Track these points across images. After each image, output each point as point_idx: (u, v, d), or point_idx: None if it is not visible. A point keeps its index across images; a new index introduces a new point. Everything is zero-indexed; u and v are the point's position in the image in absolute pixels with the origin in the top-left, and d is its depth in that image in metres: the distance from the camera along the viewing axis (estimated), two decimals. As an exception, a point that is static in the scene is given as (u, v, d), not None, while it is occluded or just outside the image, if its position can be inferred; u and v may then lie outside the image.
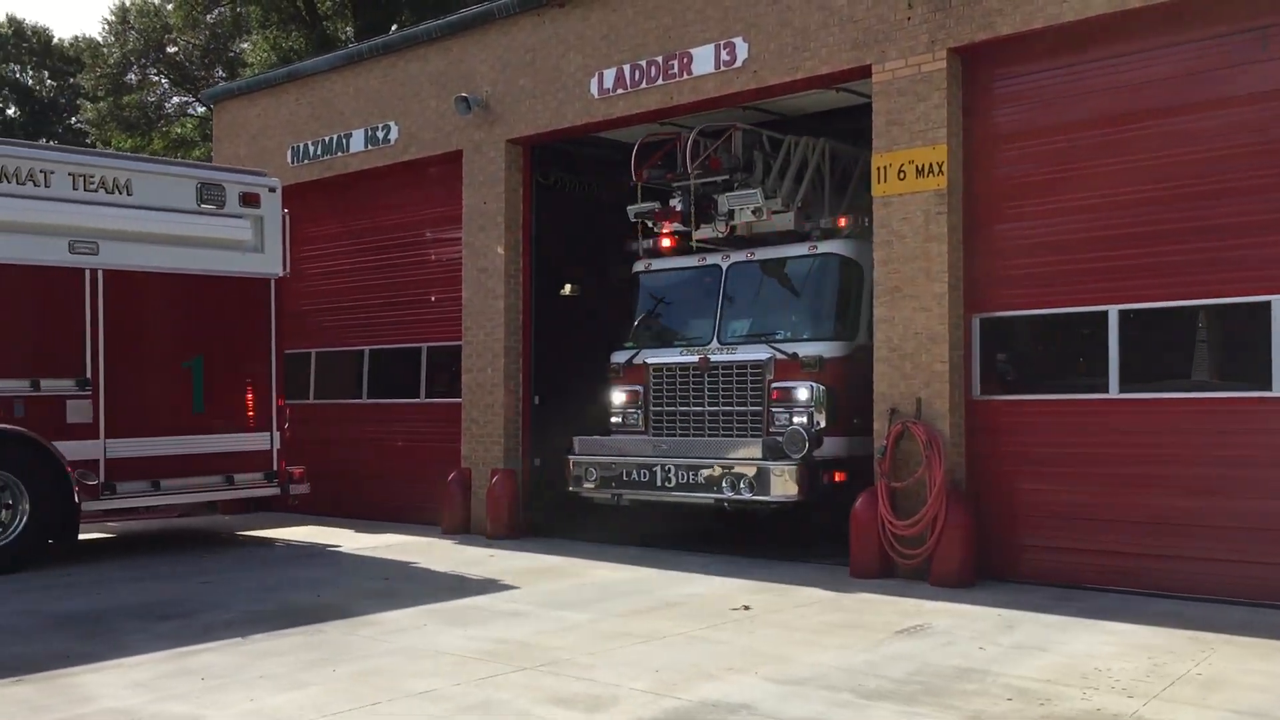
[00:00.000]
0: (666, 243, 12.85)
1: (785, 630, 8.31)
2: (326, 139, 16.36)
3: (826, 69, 11.35)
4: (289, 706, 6.36)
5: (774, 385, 11.48)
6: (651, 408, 12.40)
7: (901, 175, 10.72)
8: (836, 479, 11.13)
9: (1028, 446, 10.38)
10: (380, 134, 15.63)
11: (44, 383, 11.28)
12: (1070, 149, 10.17)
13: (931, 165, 10.54)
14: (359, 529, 14.48)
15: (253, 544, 13.24)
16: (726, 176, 12.13)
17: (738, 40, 12.00)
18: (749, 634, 8.19)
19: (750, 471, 10.98)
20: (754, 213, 11.89)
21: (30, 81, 48.52)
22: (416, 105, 15.21)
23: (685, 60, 12.48)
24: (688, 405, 12.12)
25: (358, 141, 15.94)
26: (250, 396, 12.82)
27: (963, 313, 10.61)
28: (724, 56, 12.14)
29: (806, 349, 11.43)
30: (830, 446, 11.19)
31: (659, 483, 11.51)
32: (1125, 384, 9.81)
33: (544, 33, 13.89)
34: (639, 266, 13.09)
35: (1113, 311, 9.86)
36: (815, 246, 11.79)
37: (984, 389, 10.65)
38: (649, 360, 12.46)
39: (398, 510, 14.92)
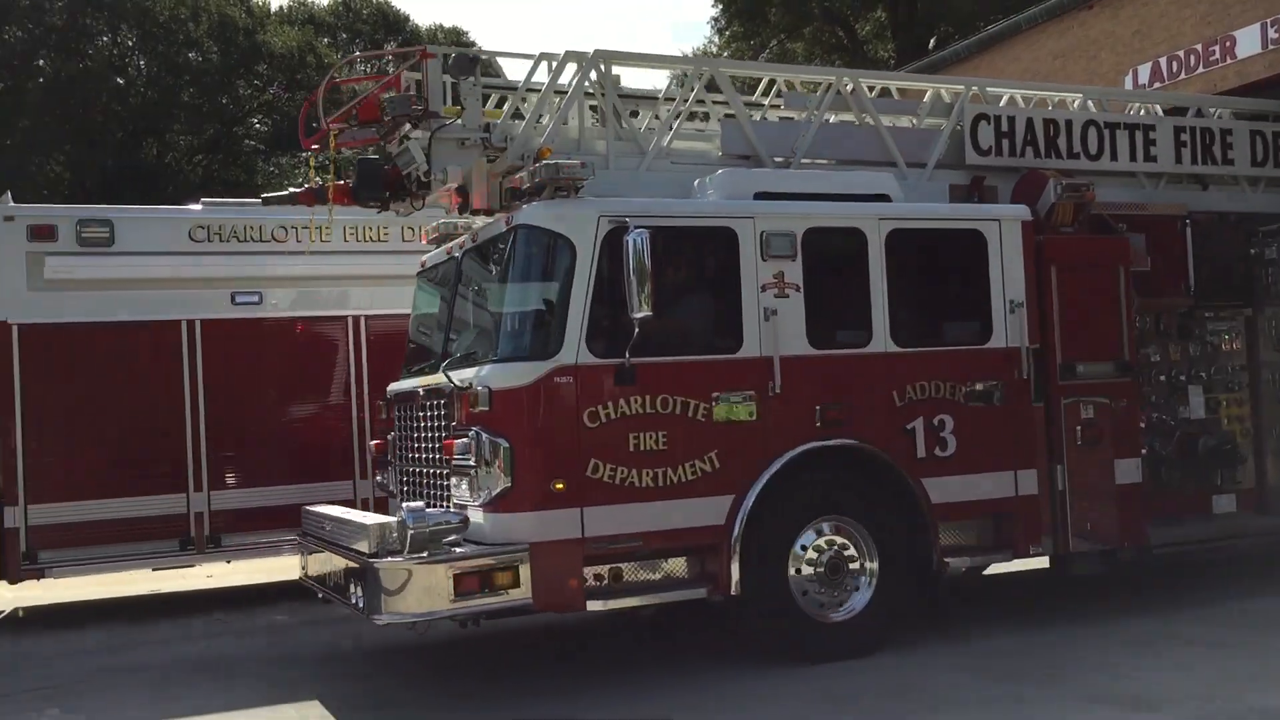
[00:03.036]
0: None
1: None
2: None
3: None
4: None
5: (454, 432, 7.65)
6: (396, 460, 8.98)
7: None
8: (496, 582, 7.01)
9: None
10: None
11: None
12: None
13: None
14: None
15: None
16: (407, 124, 8.21)
17: (1286, 15, 10.46)
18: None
19: (357, 574, 7.22)
20: (426, 177, 8.22)
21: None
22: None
23: (1227, 44, 11.42)
24: (413, 458, 8.57)
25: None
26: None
27: None
28: (1271, 35, 10.76)
29: (477, 376, 7.48)
30: (491, 530, 7.21)
31: (317, 574, 8.20)
32: None
33: (1071, 38, 13.49)
34: (420, 266, 9.58)
35: None
36: (510, 219, 7.80)
37: None
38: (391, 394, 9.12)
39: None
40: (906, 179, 9.18)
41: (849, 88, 9.25)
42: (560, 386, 7.34)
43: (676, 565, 7.73)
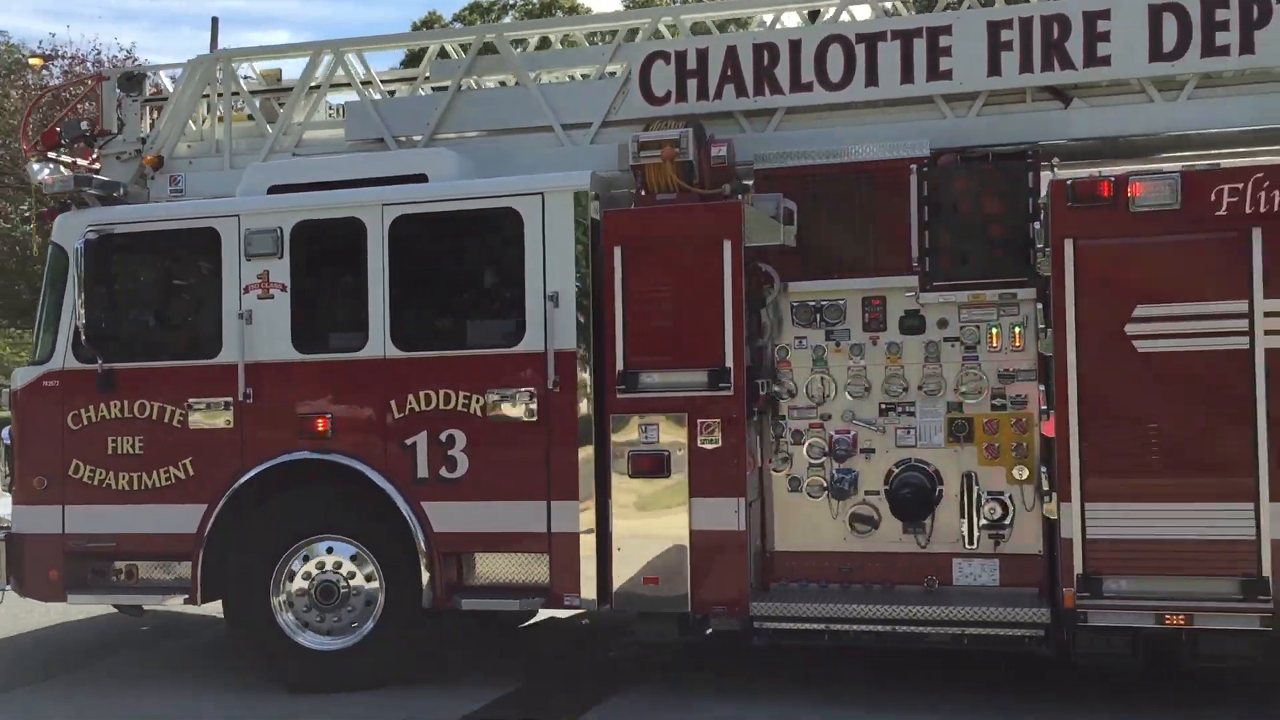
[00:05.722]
0: None
1: None
2: None
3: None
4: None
5: None
6: None
7: None
8: None
9: None
10: None
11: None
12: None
13: None
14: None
15: None
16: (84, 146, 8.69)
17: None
18: None
19: None
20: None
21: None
22: None
23: None
24: None
25: None
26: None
27: None
28: None
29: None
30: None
31: None
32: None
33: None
34: None
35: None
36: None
37: None
38: None
39: None
40: (564, 145, 7.84)
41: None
42: (48, 390, 7.90)
43: (188, 569, 7.75)
